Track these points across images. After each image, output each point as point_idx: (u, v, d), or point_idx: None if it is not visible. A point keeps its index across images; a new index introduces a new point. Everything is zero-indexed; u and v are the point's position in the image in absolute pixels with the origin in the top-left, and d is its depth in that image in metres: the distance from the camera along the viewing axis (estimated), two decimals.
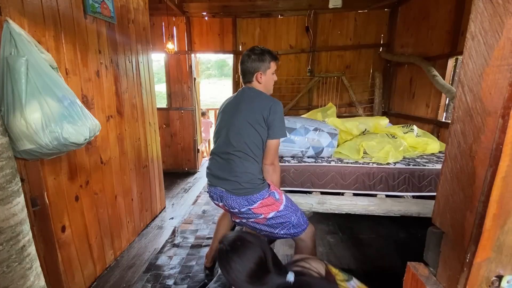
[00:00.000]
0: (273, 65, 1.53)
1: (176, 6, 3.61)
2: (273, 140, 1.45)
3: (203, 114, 5.29)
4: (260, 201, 1.41)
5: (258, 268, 0.87)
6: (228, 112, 1.54)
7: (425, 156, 2.04)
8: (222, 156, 1.49)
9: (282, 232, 1.48)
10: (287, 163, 1.81)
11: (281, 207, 1.44)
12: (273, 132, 1.44)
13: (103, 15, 1.93)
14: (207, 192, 1.60)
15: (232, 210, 1.48)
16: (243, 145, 1.44)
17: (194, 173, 4.49)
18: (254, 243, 0.92)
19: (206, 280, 1.92)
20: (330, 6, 3.60)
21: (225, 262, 0.90)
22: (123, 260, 2.21)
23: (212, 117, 5.54)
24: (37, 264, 1.14)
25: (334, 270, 1.00)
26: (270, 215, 1.43)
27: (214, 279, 1.95)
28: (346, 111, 4.14)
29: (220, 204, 1.51)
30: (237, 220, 1.58)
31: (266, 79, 1.53)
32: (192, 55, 4.21)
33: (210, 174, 1.54)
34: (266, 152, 1.47)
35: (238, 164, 1.43)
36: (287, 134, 1.79)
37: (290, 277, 0.86)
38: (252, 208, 1.41)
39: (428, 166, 1.79)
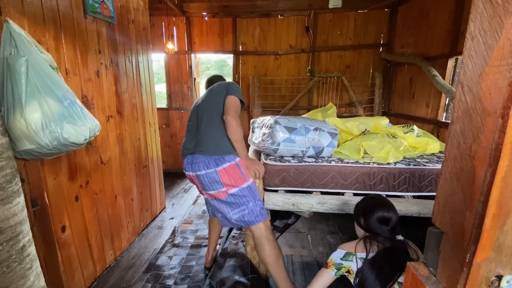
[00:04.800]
0: None
1: (176, 6, 3.62)
2: (230, 96, 1.65)
3: None
4: (226, 164, 1.54)
5: (387, 218, 1.34)
6: (197, 103, 1.80)
7: (425, 156, 2.04)
8: (194, 132, 1.70)
9: (236, 216, 1.59)
10: (287, 163, 1.81)
11: (245, 185, 1.56)
12: (230, 92, 1.67)
13: (103, 15, 1.93)
14: (183, 169, 1.72)
15: (200, 178, 1.58)
16: (209, 116, 1.67)
17: None
18: (394, 210, 1.38)
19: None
20: (330, 6, 3.60)
21: (374, 202, 1.41)
22: (123, 260, 2.21)
23: None
24: (37, 264, 1.14)
25: None
26: (232, 191, 1.55)
27: (209, 274, 1.95)
28: (346, 111, 4.14)
29: (191, 173, 1.63)
30: (205, 197, 1.75)
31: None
32: (192, 55, 4.21)
33: (183, 148, 1.72)
34: (225, 107, 1.64)
35: (207, 132, 1.63)
36: (288, 133, 1.80)
37: (400, 237, 1.29)
38: (218, 171, 1.52)
39: (428, 166, 1.79)
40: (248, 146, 2.57)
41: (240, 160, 1.60)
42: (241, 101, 1.71)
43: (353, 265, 1.26)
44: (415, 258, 1.23)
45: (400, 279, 1.17)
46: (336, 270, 1.28)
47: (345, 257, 1.29)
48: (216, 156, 1.55)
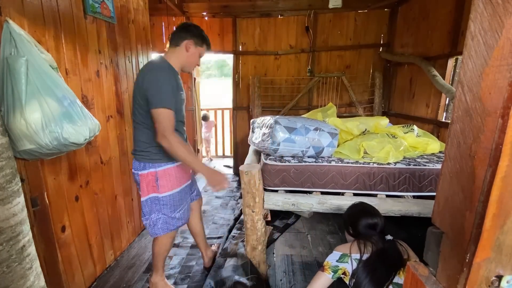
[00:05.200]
0: (203, 49, 1.60)
1: (176, 6, 3.62)
2: (154, 110, 1.39)
3: (206, 118, 5.23)
4: (146, 171, 1.52)
5: (373, 224, 1.39)
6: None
7: (425, 156, 2.04)
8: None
9: (144, 221, 1.63)
10: (287, 163, 1.81)
11: (149, 196, 1.56)
12: (153, 102, 1.39)
13: (103, 15, 1.93)
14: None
15: (134, 175, 1.61)
16: (135, 115, 1.53)
17: (194, 173, 4.49)
18: (378, 214, 1.45)
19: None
20: (330, 6, 3.60)
21: (360, 212, 1.46)
22: (123, 260, 2.21)
23: (212, 118, 5.53)
24: (37, 264, 1.14)
25: None
26: (143, 198, 1.57)
27: (209, 274, 1.95)
28: (346, 111, 4.14)
29: (132, 169, 1.63)
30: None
31: (191, 53, 1.56)
32: None
33: None
34: (155, 125, 1.41)
35: (136, 133, 1.57)
36: (288, 133, 1.80)
37: (389, 236, 1.36)
38: (140, 174, 1.54)
39: (428, 166, 1.79)
40: (248, 146, 2.57)
41: (163, 170, 1.54)
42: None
43: (349, 266, 1.27)
44: (407, 258, 1.27)
45: (396, 280, 1.17)
46: (333, 273, 1.29)
47: (341, 259, 1.30)
48: (140, 162, 1.55)
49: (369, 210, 1.47)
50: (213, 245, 2.28)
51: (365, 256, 1.26)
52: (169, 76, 1.47)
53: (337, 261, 1.30)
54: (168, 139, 1.40)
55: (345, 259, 1.29)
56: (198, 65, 1.70)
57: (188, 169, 1.73)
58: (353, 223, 1.44)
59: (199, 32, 1.58)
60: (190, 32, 1.56)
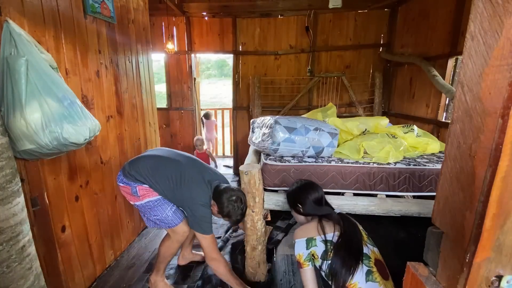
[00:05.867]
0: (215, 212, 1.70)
1: (176, 6, 3.62)
2: (201, 236, 1.65)
3: (208, 116, 5.21)
4: (123, 185, 1.69)
5: (320, 198, 1.51)
6: (178, 164, 1.74)
7: (425, 156, 2.04)
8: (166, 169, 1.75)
9: (144, 219, 1.79)
10: (287, 163, 1.81)
11: (138, 203, 1.70)
12: (197, 226, 1.63)
13: (103, 15, 1.93)
14: None
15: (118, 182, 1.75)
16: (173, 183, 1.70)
17: None
18: (320, 187, 1.57)
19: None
20: (330, 6, 3.60)
21: (303, 188, 1.55)
22: (123, 260, 2.21)
23: (213, 117, 5.52)
24: (37, 264, 1.14)
25: None
26: (135, 203, 1.71)
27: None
28: (346, 111, 4.14)
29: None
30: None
31: (214, 212, 1.70)
32: (192, 55, 4.21)
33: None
34: (203, 249, 1.69)
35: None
36: (288, 133, 1.80)
37: (337, 211, 1.48)
38: (119, 185, 1.72)
39: (428, 166, 1.79)
40: (248, 146, 2.57)
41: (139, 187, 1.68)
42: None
43: (317, 249, 1.30)
44: (361, 228, 1.41)
45: (365, 250, 1.27)
46: (310, 262, 1.32)
47: (309, 244, 1.32)
48: (121, 176, 1.75)
49: (312, 185, 1.57)
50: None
51: (329, 236, 1.30)
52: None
53: (307, 249, 1.32)
54: (217, 262, 1.67)
55: (312, 243, 1.31)
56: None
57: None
58: (302, 200, 1.51)
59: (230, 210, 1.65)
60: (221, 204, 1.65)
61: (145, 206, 1.69)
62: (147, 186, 1.66)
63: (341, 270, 1.21)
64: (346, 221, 1.38)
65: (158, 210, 1.69)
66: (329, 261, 1.25)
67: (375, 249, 1.35)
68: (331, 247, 1.27)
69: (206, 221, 1.63)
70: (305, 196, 1.51)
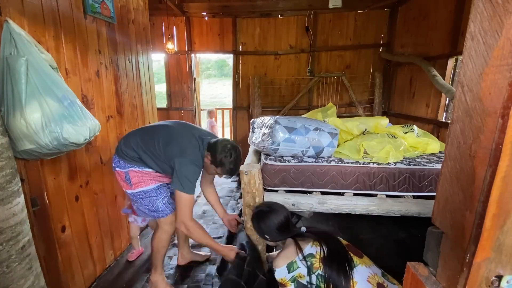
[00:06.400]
0: (216, 170, 1.65)
1: (176, 6, 3.62)
2: (180, 194, 1.55)
3: (208, 113, 5.22)
4: (118, 169, 1.66)
5: (284, 222, 1.47)
6: (166, 127, 1.70)
7: (425, 156, 2.04)
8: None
9: (134, 207, 1.80)
10: (287, 163, 1.81)
11: (129, 191, 1.68)
12: (179, 183, 1.53)
13: (103, 15, 1.93)
14: None
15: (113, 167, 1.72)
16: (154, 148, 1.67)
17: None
18: (282, 208, 1.53)
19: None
20: (330, 6, 3.60)
21: (262, 218, 1.50)
22: (123, 260, 2.20)
23: (213, 117, 5.53)
24: (37, 264, 1.14)
25: None
26: (127, 191, 1.70)
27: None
28: (346, 111, 4.14)
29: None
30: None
31: (208, 165, 1.65)
32: (192, 55, 4.21)
33: None
34: (176, 204, 1.61)
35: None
36: (288, 133, 1.80)
37: (303, 228, 1.45)
38: (116, 169, 1.68)
39: (428, 166, 1.79)
40: (248, 146, 2.57)
41: (134, 173, 1.65)
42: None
43: (301, 269, 1.30)
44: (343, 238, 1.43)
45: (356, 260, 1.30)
46: (293, 283, 1.31)
47: (290, 269, 1.32)
48: (118, 158, 1.70)
49: (270, 212, 1.51)
50: (202, 252, 2.26)
51: (307, 250, 1.31)
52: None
53: (288, 273, 1.31)
54: (187, 222, 1.59)
55: (293, 266, 1.31)
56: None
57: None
58: (266, 231, 1.49)
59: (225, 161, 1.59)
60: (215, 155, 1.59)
61: (136, 196, 1.68)
62: (139, 167, 1.63)
63: (340, 279, 1.22)
64: (320, 233, 1.40)
65: (149, 200, 1.68)
66: (317, 274, 1.26)
67: (340, 238, 1.42)
68: (314, 260, 1.28)
69: (189, 179, 1.53)
70: (267, 226, 1.48)
